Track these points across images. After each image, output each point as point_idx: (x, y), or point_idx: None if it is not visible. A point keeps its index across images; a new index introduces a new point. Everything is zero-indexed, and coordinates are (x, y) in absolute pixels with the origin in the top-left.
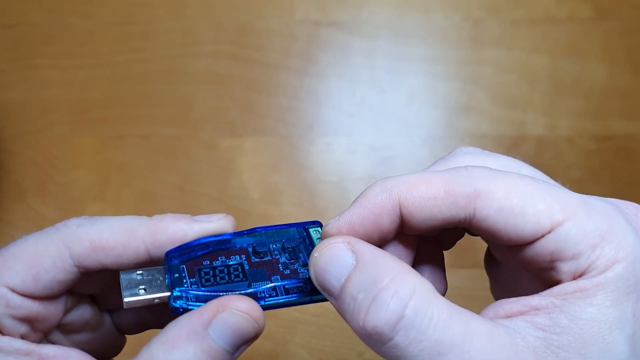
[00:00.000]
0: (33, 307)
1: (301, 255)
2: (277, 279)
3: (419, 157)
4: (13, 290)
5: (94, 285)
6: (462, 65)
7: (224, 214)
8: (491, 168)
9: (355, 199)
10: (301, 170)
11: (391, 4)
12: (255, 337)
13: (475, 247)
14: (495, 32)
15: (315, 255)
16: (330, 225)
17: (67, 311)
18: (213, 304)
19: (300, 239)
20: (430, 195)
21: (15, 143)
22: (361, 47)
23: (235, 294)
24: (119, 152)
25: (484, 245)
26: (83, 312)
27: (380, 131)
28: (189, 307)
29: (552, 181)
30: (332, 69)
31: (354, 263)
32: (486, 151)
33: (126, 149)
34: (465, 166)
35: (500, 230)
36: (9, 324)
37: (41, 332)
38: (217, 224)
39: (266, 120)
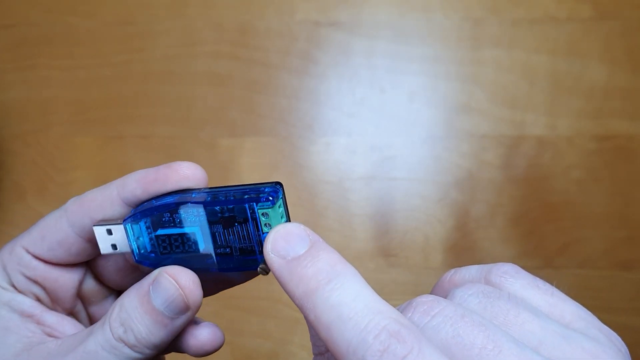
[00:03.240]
0: (41, 269)
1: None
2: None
3: (419, 157)
4: (27, 251)
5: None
6: (462, 65)
7: (192, 164)
8: None
9: (297, 269)
10: (301, 170)
11: (391, 4)
12: (186, 307)
13: (475, 247)
14: (495, 32)
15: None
16: None
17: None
18: (158, 270)
19: (247, 215)
20: None
21: (15, 143)
22: (361, 47)
23: (176, 266)
24: (119, 152)
25: (484, 246)
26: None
27: (380, 131)
28: (150, 265)
29: None
30: (332, 69)
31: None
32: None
33: (126, 149)
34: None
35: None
36: (22, 282)
37: (58, 301)
38: (183, 170)
39: (266, 120)
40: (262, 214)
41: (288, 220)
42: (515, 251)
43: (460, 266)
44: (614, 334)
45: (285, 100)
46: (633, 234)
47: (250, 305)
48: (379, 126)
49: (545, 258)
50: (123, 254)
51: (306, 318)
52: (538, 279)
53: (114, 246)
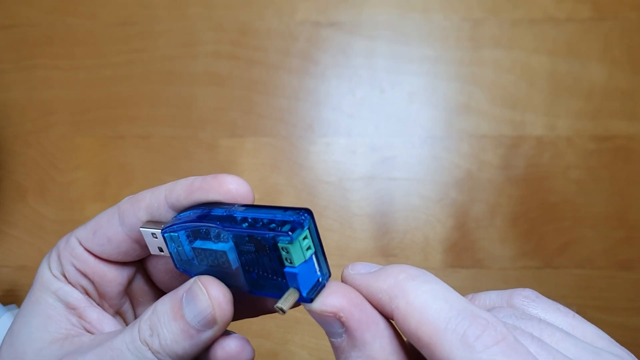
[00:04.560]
0: (91, 262)
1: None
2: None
3: (419, 157)
4: (80, 243)
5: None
6: (462, 65)
7: (239, 179)
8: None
9: (381, 271)
10: (301, 170)
11: (391, 4)
12: (213, 320)
13: (475, 247)
14: (495, 32)
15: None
16: (347, 277)
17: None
18: (194, 277)
19: (269, 246)
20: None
21: (16, 143)
22: (361, 47)
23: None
24: (119, 152)
25: (484, 246)
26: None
27: (380, 131)
28: (190, 273)
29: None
30: (332, 69)
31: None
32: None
33: (126, 149)
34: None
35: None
36: (72, 273)
37: (105, 297)
38: (227, 184)
39: (266, 120)
40: (282, 248)
41: (318, 246)
42: (515, 251)
43: (459, 266)
44: (630, 352)
45: (285, 100)
46: (632, 233)
47: None
48: (379, 126)
49: (545, 258)
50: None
51: (392, 311)
52: (557, 302)
53: (160, 249)
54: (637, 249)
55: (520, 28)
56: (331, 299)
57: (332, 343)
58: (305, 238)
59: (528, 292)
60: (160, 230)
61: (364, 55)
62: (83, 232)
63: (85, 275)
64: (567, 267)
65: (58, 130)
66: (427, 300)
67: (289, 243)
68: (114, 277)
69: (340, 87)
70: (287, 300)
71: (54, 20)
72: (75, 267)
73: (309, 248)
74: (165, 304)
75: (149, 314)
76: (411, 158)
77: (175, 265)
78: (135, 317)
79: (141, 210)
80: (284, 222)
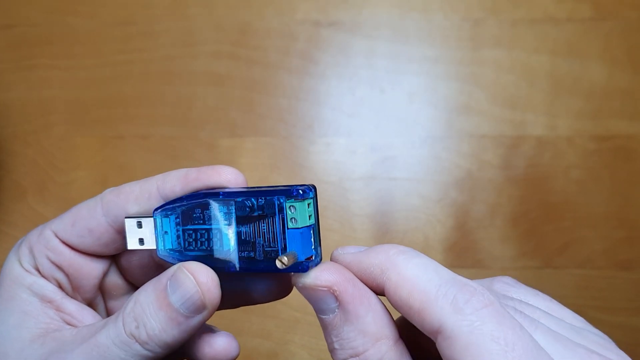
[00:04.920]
0: (67, 255)
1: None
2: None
3: (419, 157)
4: (56, 235)
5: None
6: (462, 65)
7: (234, 169)
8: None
9: (372, 249)
10: (301, 170)
11: (391, 4)
12: (202, 306)
13: (475, 247)
14: (495, 32)
15: (305, 281)
16: (337, 257)
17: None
18: (178, 264)
19: (275, 211)
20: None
21: (15, 143)
22: (361, 47)
23: (197, 263)
24: (119, 152)
25: (484, 246)
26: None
27: (380, 131)
28: (172, 260)
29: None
30: (332, 69)
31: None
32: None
33: (126, 149)
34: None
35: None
36: (46, 266)
37: (79, 290)
38: (225, 173)
39: (266, 120)
40: (290, 207)
41: (317, 222)
42: (515, 251)
43: (460, 266)
44: (607, 336)
45: (285, 100)
46: (632, 233)
47: None
48: (379, 126)
49: (545, 258)
50: (149, 251)
51: (383, 283)
52: (536, 289)
53: (141, 241)
54: (637, 249)
55: (520, 28)
56: (325, 274)
57: (322, 321)
58: (309, 205)
59: (507, 279)
60: (150, 215)
61: (364, 55)
62: (59, 224)
63: (60, 268)
64: (567, 267)
65: (58, 130)
66: (418, 272)
67: (298, 201)
68: (89, 270)
69: (340, 87)
70: (288, 256)
71: (54, 20)
72: (50, 259)
73: (310, 217)
74: (149, 293)
75: (131, 305)
76: (411, 158)
77: (157, 252)
78: (107, 310)
79: (130, 202)
80: (291, 188)
